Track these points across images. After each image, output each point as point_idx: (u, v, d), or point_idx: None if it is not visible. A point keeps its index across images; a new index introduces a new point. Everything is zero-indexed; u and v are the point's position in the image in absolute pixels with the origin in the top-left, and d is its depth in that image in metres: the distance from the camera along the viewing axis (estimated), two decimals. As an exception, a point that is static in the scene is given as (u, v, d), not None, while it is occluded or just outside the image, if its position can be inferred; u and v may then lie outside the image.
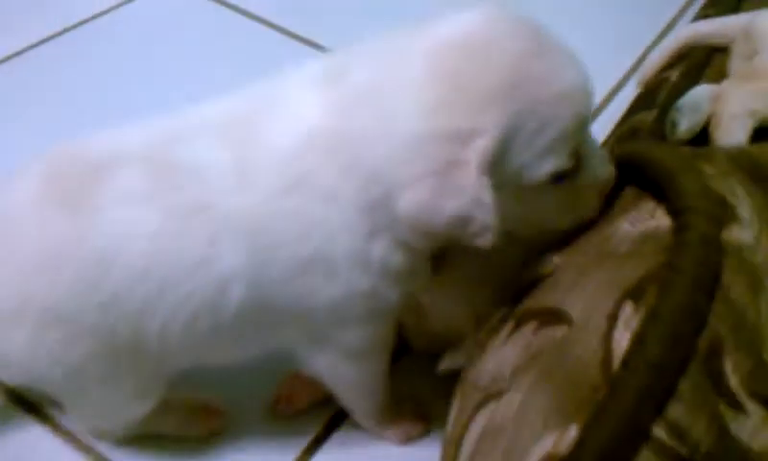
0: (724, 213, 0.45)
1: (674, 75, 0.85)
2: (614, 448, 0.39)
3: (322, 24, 1.06)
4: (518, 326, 0.50)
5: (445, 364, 0.59)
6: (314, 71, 0.53)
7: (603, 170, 0.53)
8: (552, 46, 0.49)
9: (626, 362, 0.41)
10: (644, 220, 0.49)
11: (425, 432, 0.66)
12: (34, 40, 1.01)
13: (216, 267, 0.52)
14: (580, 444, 0.40)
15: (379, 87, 0.49)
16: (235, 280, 0.52)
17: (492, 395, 0.48)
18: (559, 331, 0.47)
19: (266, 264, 0.52)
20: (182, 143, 0.53)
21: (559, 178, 0.50)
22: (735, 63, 0.79)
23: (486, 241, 0.48)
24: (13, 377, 0.59)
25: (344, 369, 0.59)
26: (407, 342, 0.69)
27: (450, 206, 0.47)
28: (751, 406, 0.41)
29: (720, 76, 0.82)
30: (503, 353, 0.50)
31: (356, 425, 0.66)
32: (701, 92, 0.80)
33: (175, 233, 0.52)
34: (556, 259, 0.53)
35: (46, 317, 0.53)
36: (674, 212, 0.46)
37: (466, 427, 0.49)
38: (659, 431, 0.40)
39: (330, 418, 0.67)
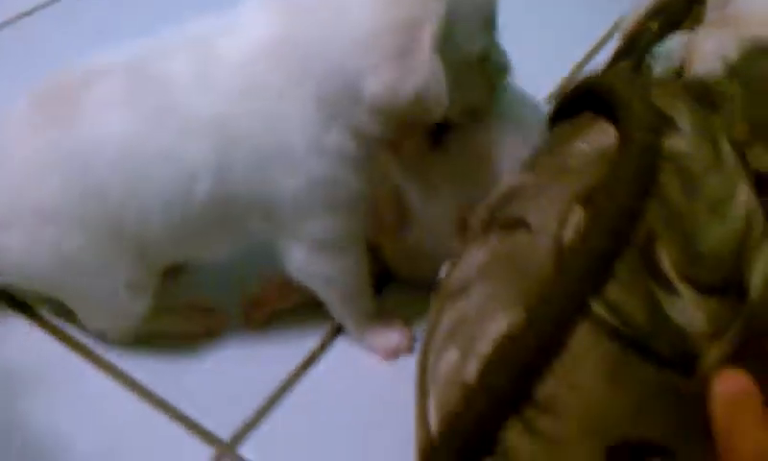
0: (665, 125, 0.51)
1: (654, 25, 0.90)
2: (558, 322, 0.45)
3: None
4: (486, 235, 0.56)
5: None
6: None
7: (506, 57, 0.67)
8: None
9: (569, 250, 0.47)
10: (598, 139, 0.55)
11: (411, 347, 0.72)
12: (25, 8, 1.07)
13: (183, 162, 0.60)
14: (527, 319, 0.46)
15: None
16: (201, 175, 0.60)
17: (459, 293, 0.54)
18: (518, 236, 0.53)
19: (230, 159, 0.60)
20: (155, 58, 0.61)
21: (484, 58, 0.61)
22: (710, 14, 0.84)
23: (438, 114, 0.58)
24: (14, 280, 0.68)
25: (317, 263, 0.65)
26: (389, 272, 0.75)
27: (411, 84, 0.56)
28: (683, 290, 0.46)
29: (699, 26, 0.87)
30: (471, 259, 0.56)
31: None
32: (676, 41, 0.85)
33: (147, 132, 0.60)
34: (521, 177, 0.59)
35: (37, 217, 0.62)
36: (620, 126, 0.52)
37: (436, 326, 0.55)
38: (597, 307, 0.45)
39: (329, 332, 0.73)
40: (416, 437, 0.57)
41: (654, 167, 0.48)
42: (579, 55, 1.01)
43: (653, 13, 0.92)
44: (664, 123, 0.51)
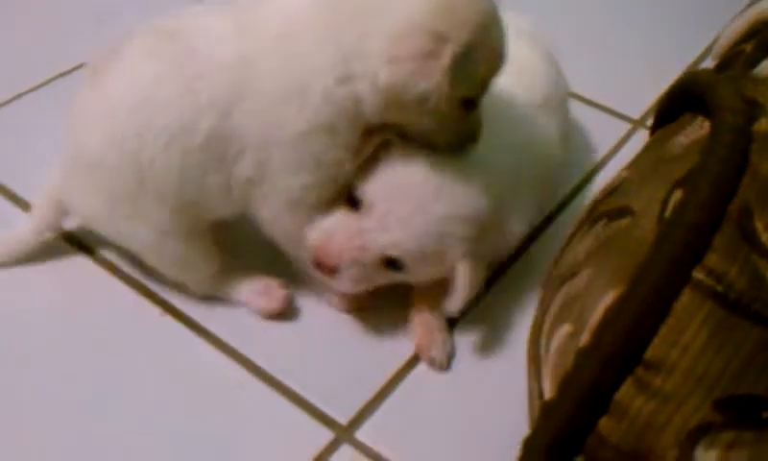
0: (754, 110, 0.54)
1: (747, 48, 0.93)
2: (660, 288, 0.49)
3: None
4: (593, 224, 0.60)
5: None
6: None
7: (480, 122, 0.70)
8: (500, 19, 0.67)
9: (668, 224, 0.51)
10: (696, 131, 0.59)
11: (368, 303, 0.77)
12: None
13: (193, 99, 0.67)
14: (631, 288, 0.50)
15: None
16: (208, 112, 0.67)
17: (569, 277, 0.58)
18: (624, 222, 0.57)
19: (241, 97, 0.67)
20: (187, 19, 0.71)
21: (467, 104, 0.68)
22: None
23: (428, 125, 0.66)
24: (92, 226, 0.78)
25: (283, 219, 0.72)
26: None
27: (421, 86, 0.63)
28: (782, 258, 0.50)
29: (792, 49, 0.89)
30: (579, 246, 0.60)
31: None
32: (772, 62, 0.87)
33: (162, 76, 0.68)
34: (623, 173, 0.63)
35: (84, 165, 0.72)
36: (712, 113, 0.55)
37: (547, 309, 0.59)
38: (699, 274, 0.49)
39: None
40: (529, 413, 0.61)
41: (745, 148, 0.52)
42: (672, 77, 1.04)
43: (746, 36, 0.95)
44: (754, 108, 0.54)
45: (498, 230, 0.73)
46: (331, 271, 0.70)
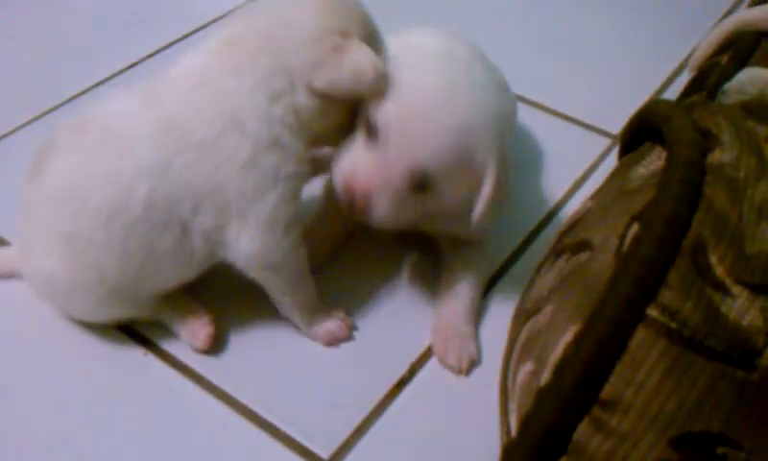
0: (707, 142, 0.55)
1: (723, 59, 0.93)
2: (615, 325, 0.49)
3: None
4: (557, 258, 0.61)
5: None
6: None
7: None
8: None
9: (623, 260, 0.51)
10: (654, 162, 0.59)
11: (349, 335, 0.78)
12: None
13: (123, 173, 0.69)
14: (588, 326, 0.50)
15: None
16: (136, 182, 0.69)
17: (533, 312, 0.59)
18: (584, 256, 0.57)
19: (170, 157, 0.69)
20: (102, 103, 0.74)
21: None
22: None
23: (372, 91, 0.70)
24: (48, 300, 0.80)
25: (264, 249, 0.72)
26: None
27: (347, 71, 0.68)
28: (737, 290, 0.50)
29: (768, 60, 0.89)
30: (544, 281, 0.60)
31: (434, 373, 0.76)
32: (747, 75, 0.88)
33: (87, 163, 0.71)
34: (587, 204, 0.63)
35: (31, 243, 0.76)
36: (667, 146, 0.56)
37: (513, 343, 0.60)
38: (653, 312, 0.49)
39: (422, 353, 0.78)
40: (500, 444, 0.62)
41: (699, 181, 0.52)
42: (650, 91, 1.05)
43: (721, 48, 0.95)
44: (708, 139, 0.55)
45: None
46: (364, 205, 0.70)
